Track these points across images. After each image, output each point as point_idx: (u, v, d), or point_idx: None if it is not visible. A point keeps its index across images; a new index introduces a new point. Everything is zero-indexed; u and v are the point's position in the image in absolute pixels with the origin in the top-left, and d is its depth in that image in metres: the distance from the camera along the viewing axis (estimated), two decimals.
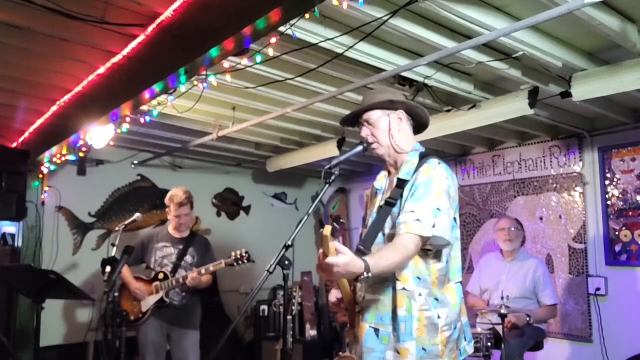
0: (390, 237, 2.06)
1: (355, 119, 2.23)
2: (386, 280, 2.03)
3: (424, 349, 1.96)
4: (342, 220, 4.57)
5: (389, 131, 2.15)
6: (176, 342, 3.91)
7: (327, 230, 1.72)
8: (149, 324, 3.87)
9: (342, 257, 1.74)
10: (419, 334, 1.96)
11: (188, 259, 3.98)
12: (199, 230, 5.54)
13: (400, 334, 1.98)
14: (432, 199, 1.97)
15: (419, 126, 2.27)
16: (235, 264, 3.79)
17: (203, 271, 3.77)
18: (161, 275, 3.90)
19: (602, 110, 3.80)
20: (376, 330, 2.04)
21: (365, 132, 2.17)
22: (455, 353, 2.05)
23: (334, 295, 2.27)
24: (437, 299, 2.01)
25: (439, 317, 1.99)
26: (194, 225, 5.61)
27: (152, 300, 3.88)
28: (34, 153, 4.46)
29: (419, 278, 2.00)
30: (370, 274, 1.79)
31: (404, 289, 1.99)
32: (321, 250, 1.76)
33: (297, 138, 5.01)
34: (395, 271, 1.98)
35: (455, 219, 2.07)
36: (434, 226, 1.94)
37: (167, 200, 4.01)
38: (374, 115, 2.15)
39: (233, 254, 3.81)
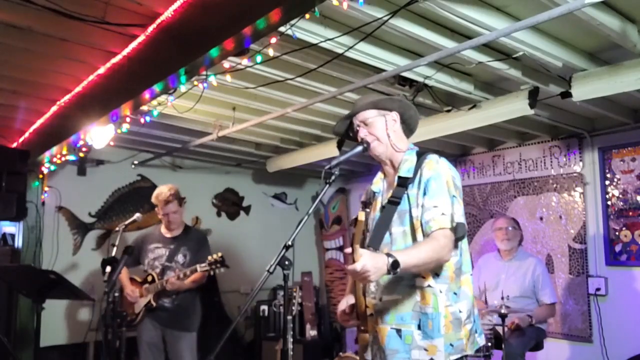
0: (398, 234, 2.06)
1: (348, 128, 2.24)
2: (402, 279, 2.02)
3: (451, 345, 1.97)
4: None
5: (386, 130, 2.16)
6: (170, 344, 3.86)
7: (362, 215, 1.82)
8: (143, 324, 3.86)
9: (362, 259, 1.75)
10: (446, 330, 1.97)
11: (179, 258, 3.88)
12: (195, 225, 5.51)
13: (428, 330, 1.97)
14: (446, 190, 2.01)
15: (407, 130, 2.27)
16: (209, 267, 3.63)
17: (182, 275, 3.68)
18: (149, 278, 3.86)
19: (602, 110, 3.80)
20: (398, 331, 2.03)
21: (362, 132, 2.18)
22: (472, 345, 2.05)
23: (344, 303, 2.22)
24: (455, 293, 2.02)
25: (460, 311, 2.00)
26: (194, 224, 5.61)
27: (142, 302, 3.85)
28: (34, 153, 4.45)
29: (437, 274, 2.01)
30: (394, 259, 1.78)
31: (429, 285, 1.99)
32: (349, 249, 1.78)
33: (297, 138, 5.01)
34: (434, 264, 1.95)
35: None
36: (455, 213, 1.98)
37: (153, 199, 3.94)
38: (370, 115, 2.16)
39: (209, 257, 3.66)
